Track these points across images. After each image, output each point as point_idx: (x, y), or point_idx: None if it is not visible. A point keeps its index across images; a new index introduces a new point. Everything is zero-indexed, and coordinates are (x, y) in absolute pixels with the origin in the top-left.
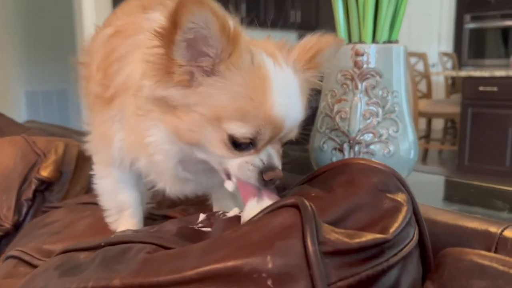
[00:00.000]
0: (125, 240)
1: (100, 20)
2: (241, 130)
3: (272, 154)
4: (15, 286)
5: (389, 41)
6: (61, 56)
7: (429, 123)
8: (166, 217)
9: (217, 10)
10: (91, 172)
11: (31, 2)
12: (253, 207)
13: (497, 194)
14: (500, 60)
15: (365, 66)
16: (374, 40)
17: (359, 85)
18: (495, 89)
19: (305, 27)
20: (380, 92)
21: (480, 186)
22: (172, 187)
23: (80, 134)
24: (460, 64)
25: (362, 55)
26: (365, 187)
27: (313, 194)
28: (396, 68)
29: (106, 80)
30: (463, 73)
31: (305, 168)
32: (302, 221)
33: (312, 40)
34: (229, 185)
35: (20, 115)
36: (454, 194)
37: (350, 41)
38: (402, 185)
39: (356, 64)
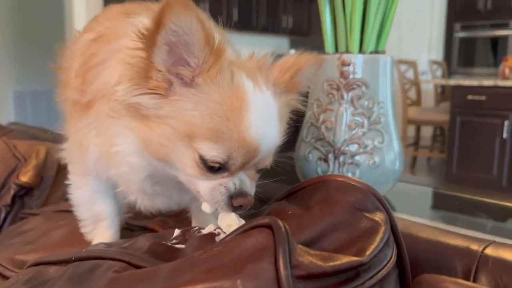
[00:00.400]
0: (96, 256)
1: None
2: (212, 153)
3: (244, 180)
4: None
5: (376, 51)
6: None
7: (418, 130)
8: (144, 229)
9: (203, 19)
10: (67, 182)
11: (21, 2)
12: (227, 213)
13: (482, 207)
14: (489, 69)
15: (351, 76)
16: (361, 50)
17: (345, 95)
18: (483, 98)
19: (297, 32)
20: (366, 103)
21: (466, 198)
22: (142, 201)
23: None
24: (449, 72)
25: (349, 65)
26: (341, 206)
27: (290, 212)
28: (383, 79)
29: (84, 86)
30: (452, 81)
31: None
32: (275, 243)
33: (291, 59)
34: (206, 207)
35: (8, 115)
36: (440, 205)
37: (337, 50)
38: (381, 204)
39: (342, 74)
